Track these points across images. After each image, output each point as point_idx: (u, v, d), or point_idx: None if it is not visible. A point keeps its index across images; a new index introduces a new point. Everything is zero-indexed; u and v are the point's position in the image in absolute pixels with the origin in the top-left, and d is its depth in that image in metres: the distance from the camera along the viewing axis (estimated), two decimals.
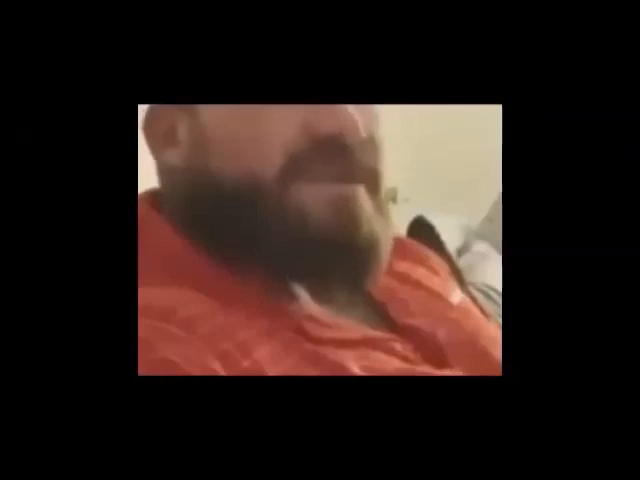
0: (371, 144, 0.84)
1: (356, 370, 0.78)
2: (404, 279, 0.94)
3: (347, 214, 0.81)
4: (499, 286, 1.51)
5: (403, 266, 0.95)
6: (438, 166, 2.63)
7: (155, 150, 0.87)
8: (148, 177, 0.88)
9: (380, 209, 0.84)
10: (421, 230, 1.11)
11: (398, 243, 0.94)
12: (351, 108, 0.81)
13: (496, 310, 1.07)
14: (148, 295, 0.75)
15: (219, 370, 0.73)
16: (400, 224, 1.04)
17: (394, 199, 2.35)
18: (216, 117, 0.83)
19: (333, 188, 0.81)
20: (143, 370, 0.70)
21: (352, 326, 0.86)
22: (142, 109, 0.85)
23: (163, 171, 0.88)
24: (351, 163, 0.82)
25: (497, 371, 0.79)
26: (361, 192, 0.82)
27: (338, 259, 0.81)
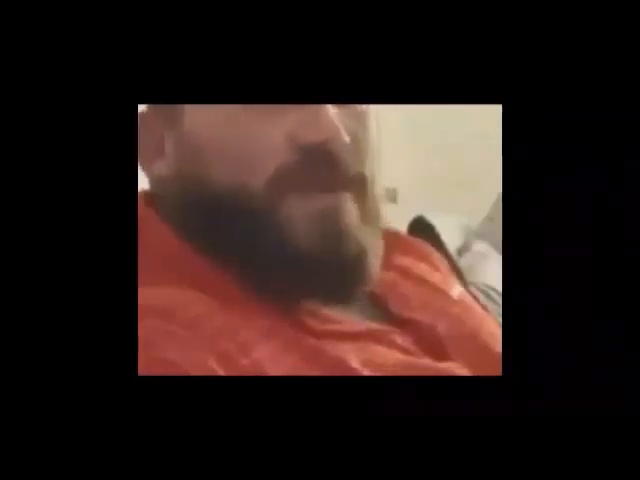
0: (356, 148, 0.83)
1: (357, 363, 0.78)
2: (405, 274, 0.94)
3: (331, 225, 0.81)
4: (499, 286, 1.51)
5: (405, 261, 0.95)
6: (438, 166, 2.63)
7: (144, 163, 0.87)
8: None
9: (368, 217, 0.84)
10: (421, 230, 1.11)
11: (400, 239, 0.96)
12: (332, 113, 0.81)
13: (496, 310, 1.06)
14: (148, 295, 0.75)
15: (219, 370, 0.73)
16: (400, 224, 1.04)
17: (394, 199, 2.35)
18: (201, 126, 0.83)
19: (318, 199, 0.81)
20: (143, 370, 0.70)
21: (352, 319, 0.86)
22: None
23: (154, 182, 0.88)
24: (337, 171, 0.82)
25: (497, 365, 0.79)
26: (346, 201, 0.82)
27: (323, 271, 0.81)
